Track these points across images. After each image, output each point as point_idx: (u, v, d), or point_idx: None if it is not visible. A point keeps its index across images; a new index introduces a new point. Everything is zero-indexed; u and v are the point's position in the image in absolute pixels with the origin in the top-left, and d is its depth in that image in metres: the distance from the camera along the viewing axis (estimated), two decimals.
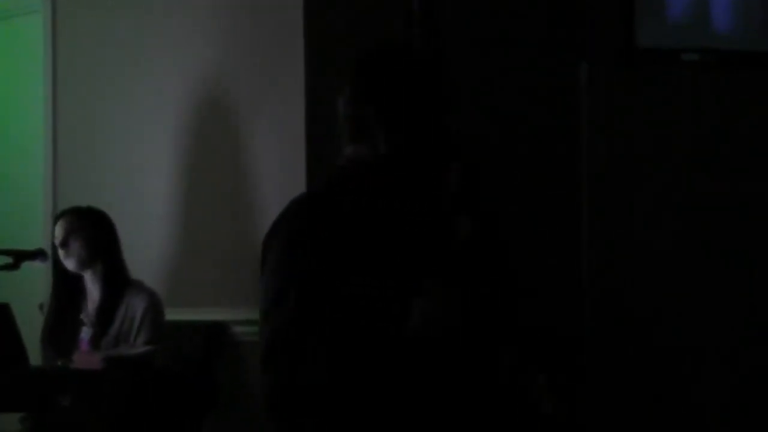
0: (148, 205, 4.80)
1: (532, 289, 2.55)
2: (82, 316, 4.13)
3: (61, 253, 4.14)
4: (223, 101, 4.62)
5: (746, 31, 3.88)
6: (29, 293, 4.58)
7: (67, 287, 4.19)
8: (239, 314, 4.36)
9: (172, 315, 4.33)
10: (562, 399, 2.48)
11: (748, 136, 3.75)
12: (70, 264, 4.13)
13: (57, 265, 4.18)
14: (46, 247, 4.23)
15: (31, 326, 4.21)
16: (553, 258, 3.66)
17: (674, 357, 3.57)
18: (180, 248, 4.70)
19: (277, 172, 4.37)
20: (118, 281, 4.16)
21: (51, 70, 5.08)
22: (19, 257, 4.10)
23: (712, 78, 3.76)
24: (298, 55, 4.19)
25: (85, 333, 4.09)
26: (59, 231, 4.15)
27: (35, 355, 4.16)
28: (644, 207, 3.63)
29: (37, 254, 4.13)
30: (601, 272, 3.58)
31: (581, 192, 3.61)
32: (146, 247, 4.71)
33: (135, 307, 4.09)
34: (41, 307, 4.35)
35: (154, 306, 4.11)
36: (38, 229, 4.87)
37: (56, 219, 4.22)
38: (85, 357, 3.95)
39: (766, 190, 3.73)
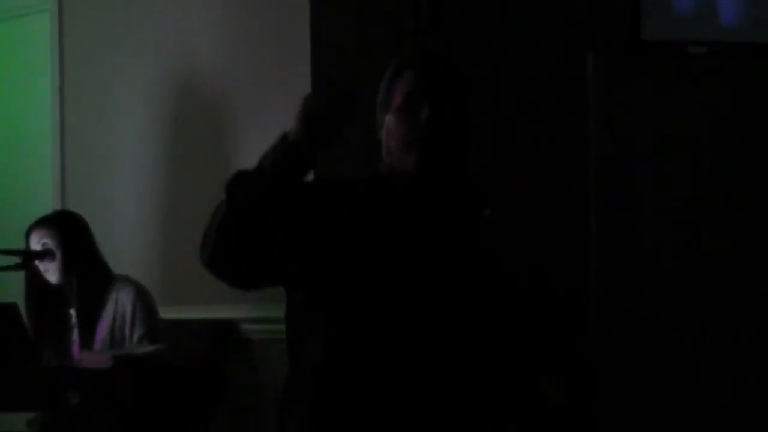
0: (153, 202, 4.79)
1: (537, 285, 2.53)
2: (73, 320, 4.12)
3: (39, 266, 4.11)
4: (225, 97, 4.61)
5: (753, 23, 3.86)
6: None
7: (49, 295, 4.16)
8: (246, 312, 4.36)
9: (178, 313, 4.33)
10: (570, 396, 2.46)
11: (756, 129, 3.73)
12: (52, 277, 4.11)
13: (31, 275, 4.16)
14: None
15: None
16: (560, 254, 3.65)
17: (682, 357, 3.55)
18: (185, 246, 4.70)
19: None
20: (101, 279, 4.14)
21: (58, 69, 5.09)
22: (28, 257, 4.11)
23: (719, 70, 3.74)
24: (304, 53, 4.17)
25: (77, 335, 4.09)
26: (36, 243, 4.12)
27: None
28: (651, 200, 3.61)
29: (45, 254, 4.13)
30: (608, 268, 3.56)
31: (587, 185, 3.59)
32: (152, 245, 4.71)
33: (123, 300, 4.08)
34: None
35: (141, 296, 4.10)
36: None
37: (30, 229, 4.17)
38: (92, 357, 3.95)
39: None
